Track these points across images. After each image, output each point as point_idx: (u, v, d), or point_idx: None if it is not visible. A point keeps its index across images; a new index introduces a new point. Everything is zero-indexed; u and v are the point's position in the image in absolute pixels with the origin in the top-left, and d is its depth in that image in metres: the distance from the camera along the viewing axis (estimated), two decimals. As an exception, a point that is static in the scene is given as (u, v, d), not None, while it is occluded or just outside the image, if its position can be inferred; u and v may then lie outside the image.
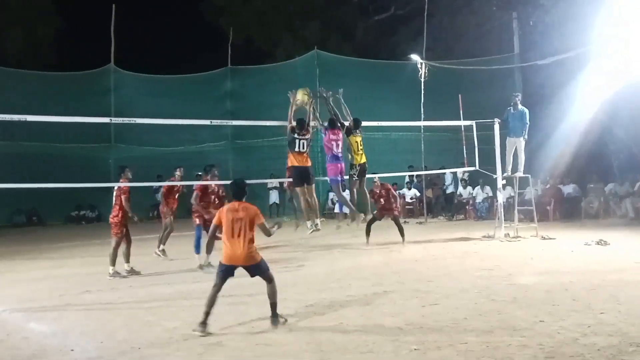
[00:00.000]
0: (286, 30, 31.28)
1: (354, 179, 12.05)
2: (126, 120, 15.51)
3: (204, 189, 12.10)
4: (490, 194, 20.21)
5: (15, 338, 7.03)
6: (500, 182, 15.27)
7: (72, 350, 6.46)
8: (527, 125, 15.17)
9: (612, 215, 18.91)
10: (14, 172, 17.94)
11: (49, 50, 30.22)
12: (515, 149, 15.22)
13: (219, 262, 7.15)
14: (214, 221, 7.31)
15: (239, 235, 7.01)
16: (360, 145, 12.22)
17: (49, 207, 23.80)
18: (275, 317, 7.03)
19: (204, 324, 6.83)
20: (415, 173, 21.20)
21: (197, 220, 11.99)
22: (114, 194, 11.58)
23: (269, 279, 7.12)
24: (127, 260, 11.36)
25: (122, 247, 11.32)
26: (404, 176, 22.17)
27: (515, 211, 15.49)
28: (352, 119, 12.17)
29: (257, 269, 7.14)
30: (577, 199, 19.92)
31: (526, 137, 15.20)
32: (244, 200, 7.28)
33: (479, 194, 21.10)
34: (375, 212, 14.33)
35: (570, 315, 6.94)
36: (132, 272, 11.29)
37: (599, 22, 17.80)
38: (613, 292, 8.04)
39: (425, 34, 23.43)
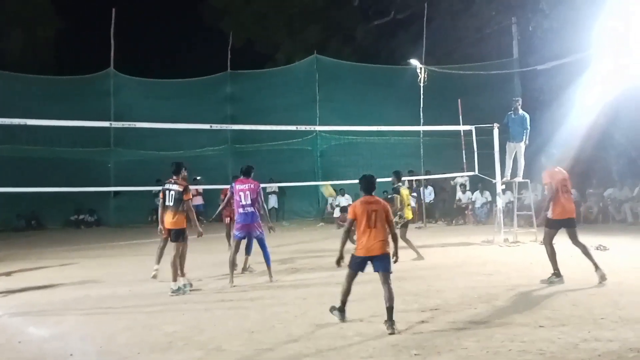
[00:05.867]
0: (286, 34, 31.30)
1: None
2: (126, 124, 15.51)
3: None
4: (490, 198, 20.23)
5: (14, 342, 7.01)
6: (499, 187, 15.30)
7: (71, 354, 6.46)
8: (528, 130, 15.20)
9: (611, 220, 18.92)
10: (14, 175, 17.87)
11: (48, 53, 30.20)
12: (515, 154, 15.25)
13: (353, 254, 7.36)
14: (350, 216, 7.49)
15: (375, 226, 7.27)
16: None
17: (49, 211, 23.77)
18: (391, 321, 6.90)
19: (342, 310, 7.38)
20: (414, 178, 21.12)
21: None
22: None
23: (388, 277, 7.20)
24: None
25: None
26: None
27: (515, 216, 15.49)
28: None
29: (385, 259, 7.26)
30: (576, 203, 19.85)
31: (527, 142, 15.22)
32: (373, 194, 7.60)
33: (478, 198, 21.11)
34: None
35: (570, 321, 6.93)
36: None
37: (599, 26, 17.83)
38: (613, 297, 8.04)
39: (425, 38, 23.50)
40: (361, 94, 24.24)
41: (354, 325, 7.19)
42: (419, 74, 21.08)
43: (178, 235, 9.80)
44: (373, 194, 7.60)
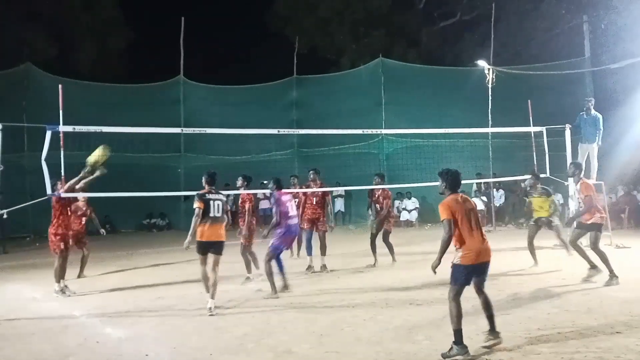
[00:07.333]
0: (350, 39, 31.36)
1: None
2: (197, 130, 15.84)
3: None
4: (562, 201, 19.70)
5: (93, 342, 7.26)
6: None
7: (146, 355, 6.64)
8: (601, 131, 14.77)
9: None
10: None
11: (120, 62, 31.15)
12: (588, 155, 14.84)
13: (457, 264, 6.29)
14: (447, 216, 6.22)
15: (477, 227, 6.28)
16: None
17: (122, 215, 24.37)
18: (494, 330, 6.35)
19: (460, 343, 6.05)
20: (483, 180, 20.75)
21: (306, 225, 12.56)
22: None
23: (483, 285, 6.46)
24: (63, 277, 10.61)
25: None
26: (471, 184, 21.70)
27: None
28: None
29: (488, 267, 6.40)
30: (651, 205, 19.24)
31: (600, 143, 14.80)
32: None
33: (550, 201, 20.57)
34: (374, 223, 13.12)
35: (649, 327, 6.72)
36: (65, 290, 10.55)
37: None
38: (695, 304, 7.74)
39: (493, 39, 23.13)
40: (427, 96, 24.02)
41: (423, 329, 7.15)
42: (487, 75, 20.74)
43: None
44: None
